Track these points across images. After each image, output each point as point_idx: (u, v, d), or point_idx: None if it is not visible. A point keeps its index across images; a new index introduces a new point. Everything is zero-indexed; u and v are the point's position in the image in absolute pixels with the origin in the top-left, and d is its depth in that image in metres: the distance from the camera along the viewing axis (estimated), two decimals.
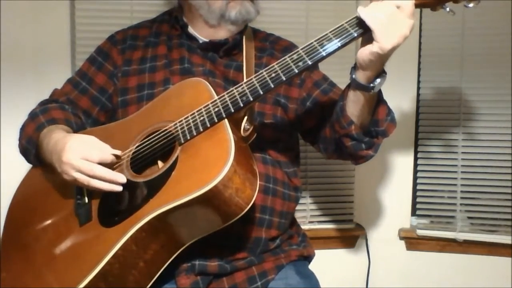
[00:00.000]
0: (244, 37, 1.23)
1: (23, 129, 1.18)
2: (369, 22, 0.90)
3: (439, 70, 1.76)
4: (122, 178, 1.01)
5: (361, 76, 0.98)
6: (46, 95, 1.29)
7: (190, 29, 1.24)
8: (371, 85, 0.97)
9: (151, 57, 1.23)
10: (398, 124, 1.72)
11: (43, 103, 1.24)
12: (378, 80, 0.97)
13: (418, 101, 1.79)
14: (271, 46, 1.27)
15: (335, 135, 1.08)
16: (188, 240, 0.98)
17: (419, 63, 1.78)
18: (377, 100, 1.04)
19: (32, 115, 1.18)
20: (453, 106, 1.76)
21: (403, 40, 0.91)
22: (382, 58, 0.94)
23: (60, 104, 1.22)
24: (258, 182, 0.96)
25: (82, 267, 0.95)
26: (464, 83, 1.74)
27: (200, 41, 1.23)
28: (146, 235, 0.94)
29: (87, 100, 1.24)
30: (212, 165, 0.91)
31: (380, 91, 1.03)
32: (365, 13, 0.91)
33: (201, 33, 1.23)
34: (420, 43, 1.76)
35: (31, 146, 1.14)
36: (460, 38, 1.73)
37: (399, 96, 1.74)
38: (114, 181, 1.00)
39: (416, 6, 0.94)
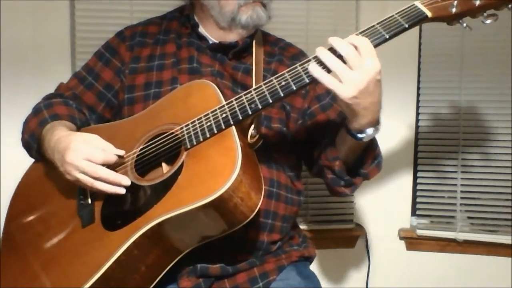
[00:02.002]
0: (254, 41, 1.21)
1: (26, 123, 1.17)
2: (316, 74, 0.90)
3: (439, 70, 1.76)
4: (126, 181, 0.99)
5: (349, 122, 0.97)
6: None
7: (201, 29, 1.22)
8: (359, 136, 0.97)
9: (159, 55, 1.21)
10: (398, 124, 1.74)
11: (47, 98, 1.22)
12: (365, 133, 0.97)
13: (418, 101, 1.79)
14: (280, 52, 1.25)
15: (320, 161, 1.10)
16: (191, 246, 0.97)
17: (419, 63, 1.78)
18: (367, 144, 1.03)
19: (36, 110, 1.17)
20: (453, 106, 1.76)
21: (364, 89, 0.88)
22: (352, 108, 0.91)
23: (64, 99, 1.20)
24: (263, 189, 0.94)
25: (83, 271, 0.94)
26: (464, 83, 1.74)
27: (210, 42, 1.21)
28: (149, 240, 0.93)
29: (92, 96, 1.22)
30: (218, 174, 0.89)
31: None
32: (314, 65, 0.90)
33: (212, 34, 1.22)
34: (420, 43, 1.77)
35: (33, 141, 1.13)
36: (460, 39, 1.73)
37: (400, 96, 1.74)
38: (118, 183, 0.98)
39: (433, 19, 0.93)
